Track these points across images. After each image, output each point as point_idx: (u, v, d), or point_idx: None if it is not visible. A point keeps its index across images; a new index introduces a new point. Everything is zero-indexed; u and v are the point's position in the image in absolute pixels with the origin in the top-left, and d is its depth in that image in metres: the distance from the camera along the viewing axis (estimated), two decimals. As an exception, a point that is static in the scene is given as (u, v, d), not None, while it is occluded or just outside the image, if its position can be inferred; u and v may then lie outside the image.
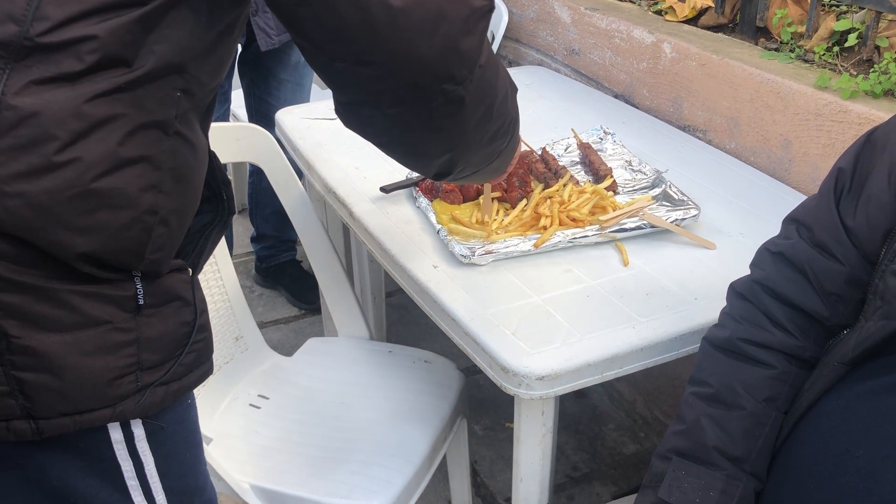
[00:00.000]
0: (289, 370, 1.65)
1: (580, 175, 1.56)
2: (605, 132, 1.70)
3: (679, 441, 0.98)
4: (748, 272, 1.06)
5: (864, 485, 0.84)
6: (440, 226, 1.35)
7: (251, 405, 1.54)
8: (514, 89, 0.99)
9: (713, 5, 1.95)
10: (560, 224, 1.34)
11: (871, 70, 1.53)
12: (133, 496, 0.86)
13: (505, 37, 2.50)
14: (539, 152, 1.60)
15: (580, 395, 2.28)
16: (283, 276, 2.74)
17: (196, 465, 0.95)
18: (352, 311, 1.71)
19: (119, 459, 0.84)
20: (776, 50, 1.76)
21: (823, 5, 1.74)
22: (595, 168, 1.54)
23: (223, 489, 1.30)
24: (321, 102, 1.93)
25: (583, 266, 1.29)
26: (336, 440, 1.44)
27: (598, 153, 1.61)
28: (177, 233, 0.83)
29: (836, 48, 1.66)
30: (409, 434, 1.44)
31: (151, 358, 0.81)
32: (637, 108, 1.99)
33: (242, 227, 3.01)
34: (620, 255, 1.32)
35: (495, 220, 1.37)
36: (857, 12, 1.66)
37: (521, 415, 1.15)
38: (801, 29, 1.75)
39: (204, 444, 0.99)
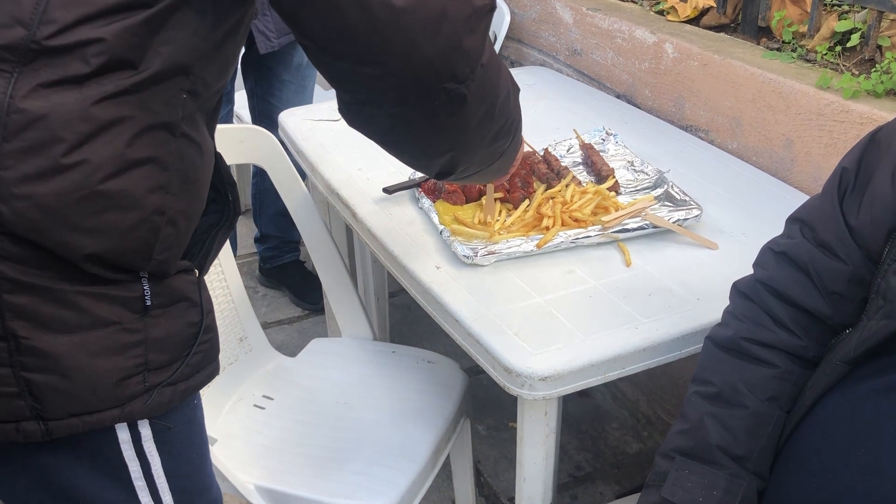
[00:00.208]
0: (293, 371, 1.65)
1: (582, 176, 1.57)
2: (607, 133, 1.71)
3: (682, 440, 0.98)
4: (750, 272, 1.06)
5: (865, 483, 0.84)
6: (443, 226, 1.36)
7: (255, 406, 1.55)
8: (517, 90, 0.99)
9: (715, 5, 1.96)
10: (562, 224, 1.35)
11: (873, 70, 1.53)
12: (140, 496, 0.87)
13: (507, 37, 2.50)
14: (541, 153, 1.61)
15: (583, 394, 2.28)
16: (286, 276, 2.74)
17: (202, 466, 0.96)
18: (355, 312, 1.71)
19: (126, 460, 0.84)
20: (778, 50, 1.76)
21: (825, 5, 1.74)
22: (597, 169, 1.54)
23: (228, 490, 1.31)
24: (324, 104, 1.93)
25: (585, 266, 1.29)
26: (340, 440, 1.45)
27: (601, 154, 1.62)
28: (184, 233, 0.84)
29: (837, 48, 1.66)
30: (413, 434, 1.44)
31: (159, 358, 0.82)
32: (639, 108, 2.00)
33: (246, 228, 3.01)
34: (623, 256, 1.32)
35: (497, 220, 1.37)
36: (858, 12, 1.67)
37: (524, 415, 1.15)
38: (803, 29, 1.75)
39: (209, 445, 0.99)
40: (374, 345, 1.71)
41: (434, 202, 1.43)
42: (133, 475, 0.86)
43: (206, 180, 0.87)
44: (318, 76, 2.50)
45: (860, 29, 1.63)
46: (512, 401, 1.12)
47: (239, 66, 2.42)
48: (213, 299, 1.47)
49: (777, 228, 1.08)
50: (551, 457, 1.19)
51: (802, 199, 1.51)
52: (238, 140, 1.56)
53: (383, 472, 1.36)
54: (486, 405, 2.22)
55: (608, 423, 2.21)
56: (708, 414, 0.98)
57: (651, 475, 1.00)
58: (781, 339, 0.98)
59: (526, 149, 1.61)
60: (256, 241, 2.75)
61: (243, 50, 2.36)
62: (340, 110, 0.90)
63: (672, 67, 1.89)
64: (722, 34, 1.92)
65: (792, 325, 0.99)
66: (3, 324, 0.73)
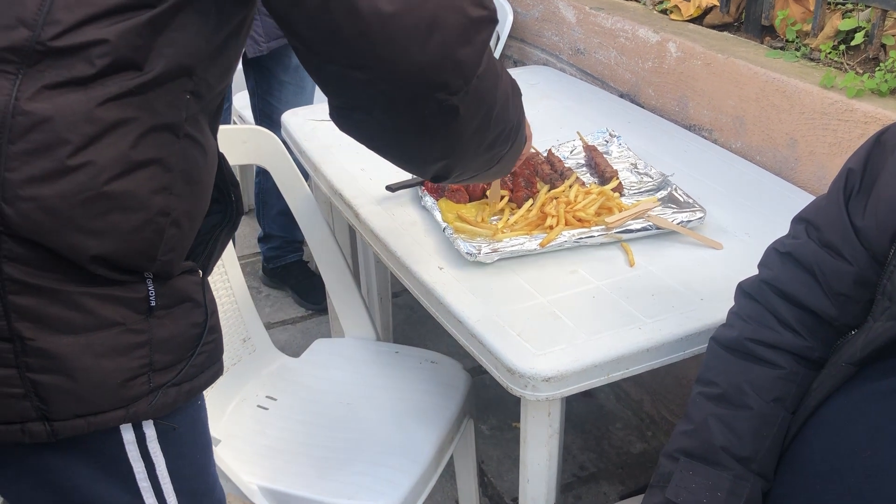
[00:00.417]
0: (296, 371, 1.65)
1: (586, 177, 1.57)
2: (610, 135, 1.70)
3: (686, 441, 0.98)
4: (754, 272, 1.06)
5: (870, 485, 0.84)
6: (446, 224, 1.36)
7: (259, 406, 1.55)
8: (517, 93, 0.97)
9: (718, 4, 1.95)
10: (566, 224, 1.35)
11: (877, 68, 1.53)
12: (145, 497, 0.87)
13: (510, 36, 2.50)
14: (545, 154, 1.61)
15: (587, 394, 2.28)
16: (289, 276, 2.75)
17: (206, 466, 0.96)
18: (358, 312, 1.71)
19: (131, 460, 0.84)
20: (782, 49, 1.76)
21: (829, 3, 1.74)
22: (601, 170, 1.54)
23: (231, 490, 1.31)
24: (327, 104, 1.93)
25: (588, 267, 1.29)
26: (343, 441, 1.45)
27: (604, 156, 1.62)
28: (188, 234, 0.84)
29: (841, 46, 1.66)
30: (416, 434, 1.44)
31: (163, 359, 0.82)
32: (642, 107, 1.99)
33: (250, 228, 3.02)
34: (626, 256, 1.32)
35: (499, 218, 1.37)
36: (862, 10, 1.66)
37: (527, 416, 1.15)
38: (807, 27, 1.75)
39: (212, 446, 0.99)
40: (378, 345, 1.71)
41: (437, 200, 1.43)
42: (138, 476, 0.86)
43: (209, 181, 0.87)
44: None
45: (864, 27, 1.63)
46: (515, 401, 1.12)
47: (240, 66, 2.42)
48: (217, 300, 1.47)
49: (781, 228, 1.08)
50: (555, 457, 1.19)
51: (806, 198, 1.51)
52: (241, 140, 1.56)
53: (386, 473, 1.36)
54: (489, 405, 2.22)
55: (612, 424, 2.20)
56: (712, 415, 0.97)
57: (655, 476, 1.00)
58: (787, 339, 0.98)
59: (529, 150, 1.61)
60: (260, 240, 2.75)
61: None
62: (331, 115, 0.90)
63: (675, 67, 1.89)
64: (725, 33, 1.92)
65: (797, 326, 0.98)
66: (8, 325, 0.73)
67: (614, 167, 1.56)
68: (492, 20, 0.83)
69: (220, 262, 1.54)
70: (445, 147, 0.89)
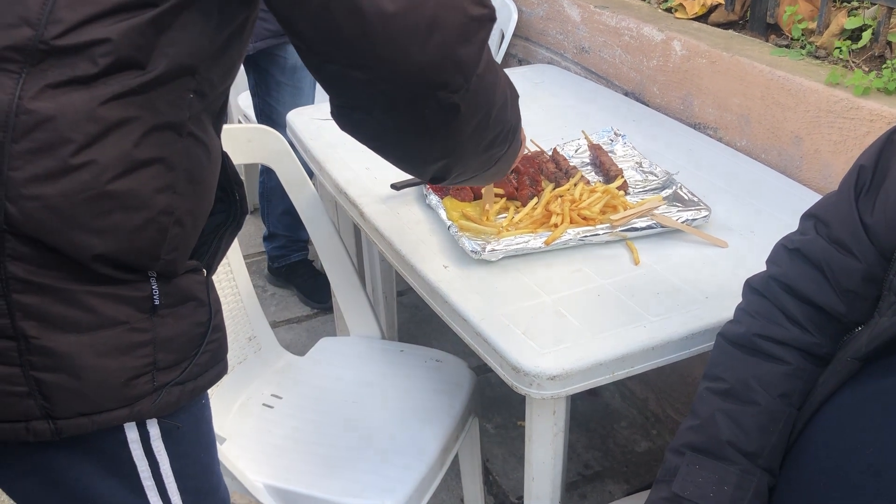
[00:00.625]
0: (302, 370, 1.65)
1: (591, 176, 1.56)
2: (615, 134, 1.70)
3: (693, 436, 0.98)
4: (759, 270, 1.06)
5: (873, 481, 0.84)
6: (450, 222, 1.35)
7: (265, 405, 1.55)
8: (515, 96, 0.97)
9: (723, 2, 1.95)
10: (571, 222, 1.34)
11: (884, 66, 1.52)
12: (149, 496, 0.87)
13: (514, 35, 2.50)
14: (549, 153, 1.60)
15: (592, 392, 2.27)
16: (295, 275, 2.75)
17: (210, 465, 0.96)
18: (363, 311, 1.71)
19: (135, 459, 0.85)
20: (787, 46, 1.75)
21: (834, 1, 1.73)
22: (605, 169, 1.54)
23: (237, 489, 1.31)
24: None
25: (593, 265, 1.29)
26: (348, 439, 1.45)
27: (609, 155, 1.61)
28: (191, 233, 0.84)
29: (847, 44, 1.65)
30: (421, 433, 1.44)
31: (167, 358, 0.82)
32: (647, 105, 1.99)
33: (255, 227, 3.02)
34: (631, 254, 1.32)
35: (505, 216, 1.37)
36: (868, 8, 1.66)
37: (532, 414, 1.15)
38: (812, 25, 1.74)
39: (218, 444, 0.99)
40: (383, 344, 1.72)
41: (442, 199, 1.43)
42: (142, 475, 0.86)
43: (213, 180, 0.87)
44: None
45: (870, 25, 1.62)
46: (520, 399, 1.12)
47: (243, 67, 2.43)
48: (222, 298, 1.47)
49: (786, 226, 1.08)
50: (560, 456, 1.19)
51: (812, 196, 1.51)
52: (246, 139, 1.57)
53: (392, 471, 1.36)
54: (494, 403, 2.22)
55: (617, 422, 2.20)
56: (719, 410, 0.97)
57: (661, 471, 1.00)
58: (794, 336, 0.98)
59: (534, 148, 1.61)
60: (265, 239, 2.75)
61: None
62: (332, 114, 0.89)
63: (680, 65, 1.88)
64: (730, 31, 1.91)
65: (805, 322, 0.98)
66: (13, 323, 0.73)
67: (619, 166, 1.55)
68: (491, 18, 0.83)
69: (225, 262, 1.54)
70: (445, 146, 0.89)
